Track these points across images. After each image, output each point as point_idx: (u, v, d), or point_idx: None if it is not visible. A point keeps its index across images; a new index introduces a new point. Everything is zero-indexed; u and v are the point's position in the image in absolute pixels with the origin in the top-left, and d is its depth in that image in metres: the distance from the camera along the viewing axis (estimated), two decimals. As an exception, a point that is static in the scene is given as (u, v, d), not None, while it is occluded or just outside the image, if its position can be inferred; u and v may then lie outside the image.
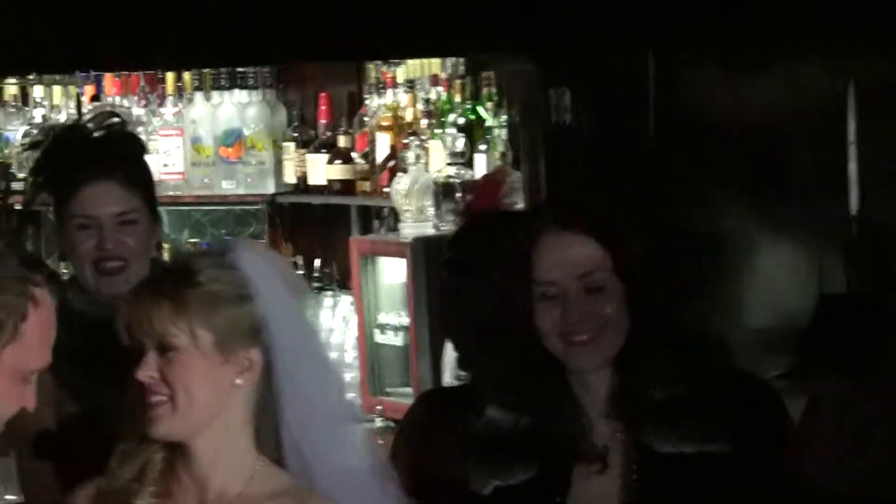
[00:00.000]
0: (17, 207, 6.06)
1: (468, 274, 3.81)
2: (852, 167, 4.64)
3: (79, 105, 5.04)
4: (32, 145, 4.44)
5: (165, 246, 6.06)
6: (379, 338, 6.00)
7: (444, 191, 5.65)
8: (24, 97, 6.62)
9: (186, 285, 2.53)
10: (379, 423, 5.95)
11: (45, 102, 6.57)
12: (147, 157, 4.05)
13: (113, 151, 3.90)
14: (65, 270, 4.04)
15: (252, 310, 2.55)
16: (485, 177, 5.41)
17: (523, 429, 3.31)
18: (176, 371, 2.51)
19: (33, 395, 2.47)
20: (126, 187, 3.75)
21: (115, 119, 3.99)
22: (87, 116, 4.17)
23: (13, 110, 6.58)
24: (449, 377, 5.18)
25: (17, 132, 6.46)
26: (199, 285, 2.54)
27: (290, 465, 2.62)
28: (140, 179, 3.86)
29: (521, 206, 5.10)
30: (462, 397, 3.79)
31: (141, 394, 2.56)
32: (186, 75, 6.37)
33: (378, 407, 5.95)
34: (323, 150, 6.18)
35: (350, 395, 3.84)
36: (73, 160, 3.86)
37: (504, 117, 5.67)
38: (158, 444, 2.61)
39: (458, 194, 5.57)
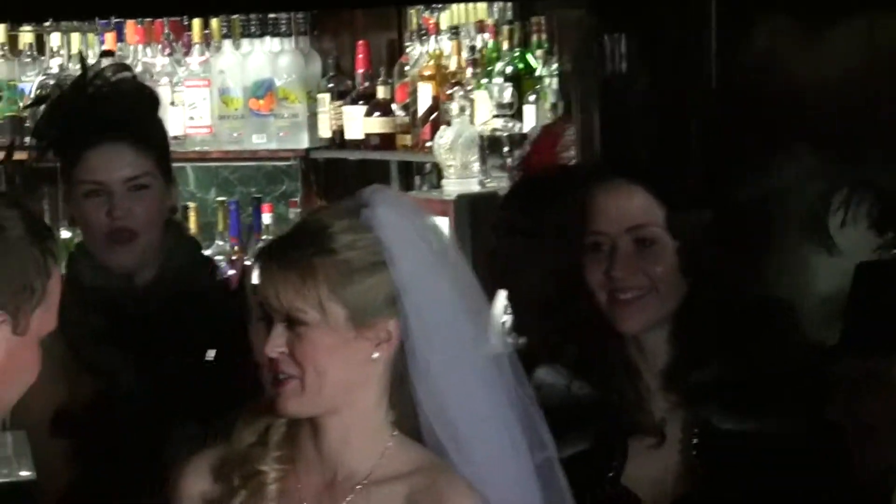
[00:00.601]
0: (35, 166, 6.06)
1: (526, 233, 3.74)
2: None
3: (82, 60, 4.96)
4: (37, 101, 4.50)
5: (191, 205, 6.08)
6: None
7: (490, 145, 5.48)
8: (41, 46, 6.40)
9: (317, 253, 2.41)
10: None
11: (63, 52, 6.32)
12: (162, 112, 3.91)
13: (122, 109, 3.76)
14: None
15: (389, 277, 2.42)
16: (542, 129, 5.37)
17: (576, 396, 3.27)
18: (305, 348, 2.42)
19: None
20: (137, 149, 3.64)
21: (125, 73, 3.85)
22: (94, 71, 3.92)
23: (28, 60, 6.36)
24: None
25: (32, 84, 6.21)
26: (331, 253, 2.42)
27: (426, 438, 2.55)
28: (152, 139, 3.74)
29: (574, 160, 4.98)
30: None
31: (269, 369, 2.50)
32: (214, 22, 6.22)
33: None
34: (360, 102, 6.05)
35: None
36: (78, 120, 3.75)
37: (555, 66, 5.50)
38: None
39: (506, 149, 5.43)
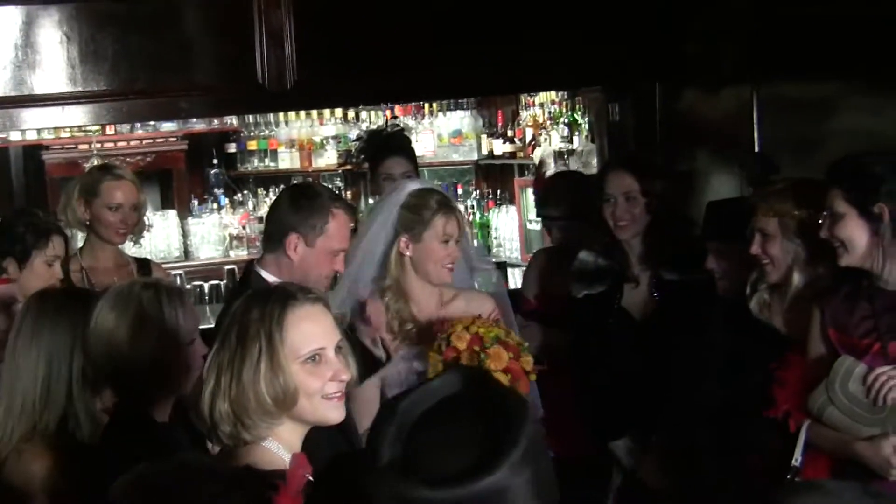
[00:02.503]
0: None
1: (558, 217, 5.39)
2: None
3: (385, 123, 6.82)
4: (357, 139, 6.54)
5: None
6: (528, 226, 8.41)
7: (558, 155, 8.08)
8: (356, 115, 9.43)
9: None
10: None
11: (365, 118, 9.38)
12: (413, 144, 5.77)
13: (398, 141, 5.60)
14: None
15: None
16: (539, 163, 8.01)
17: (599, 264, 4.75)
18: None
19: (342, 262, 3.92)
20: (407, 159, 5.49)
21: (398, 126, 5.98)
22: (385, 125, 6.34)
23: (351, 123, 9.43)
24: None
25: (352, 134, 9.00)
26: None
27: None
28: (412, 155, 5.60)
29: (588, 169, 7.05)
30: (563, 252, 5.26)
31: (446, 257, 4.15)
32: (435, 104, 9.09)
33: (528, 257, 7.03)
34: (499, 137, 8.68)
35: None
36: (378, 146, 5.57)
37: (587, 118, 7.94)
38: (399, 293, 4.27)
39: (565, 156, 7.90)
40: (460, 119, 9.36)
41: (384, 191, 4.91)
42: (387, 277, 4.35)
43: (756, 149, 5.68)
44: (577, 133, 8.11)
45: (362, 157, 5.93)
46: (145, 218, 5.57)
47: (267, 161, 9.53)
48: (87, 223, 5.44)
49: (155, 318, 3.22)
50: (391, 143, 5.68)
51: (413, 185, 4.48)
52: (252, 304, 2.77)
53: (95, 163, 7.56)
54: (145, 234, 5.64)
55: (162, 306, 3.23)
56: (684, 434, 4.47)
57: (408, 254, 4.35)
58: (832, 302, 3.92)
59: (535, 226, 8.15)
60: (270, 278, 4.03)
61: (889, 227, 3.79)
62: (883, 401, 3.78)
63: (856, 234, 3.82)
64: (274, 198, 7.69)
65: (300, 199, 4.15)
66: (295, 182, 8.61)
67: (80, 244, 5.58)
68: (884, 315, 3.82)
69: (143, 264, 5.61)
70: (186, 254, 9.25)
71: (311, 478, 2.43)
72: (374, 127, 8.00)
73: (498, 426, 1.76)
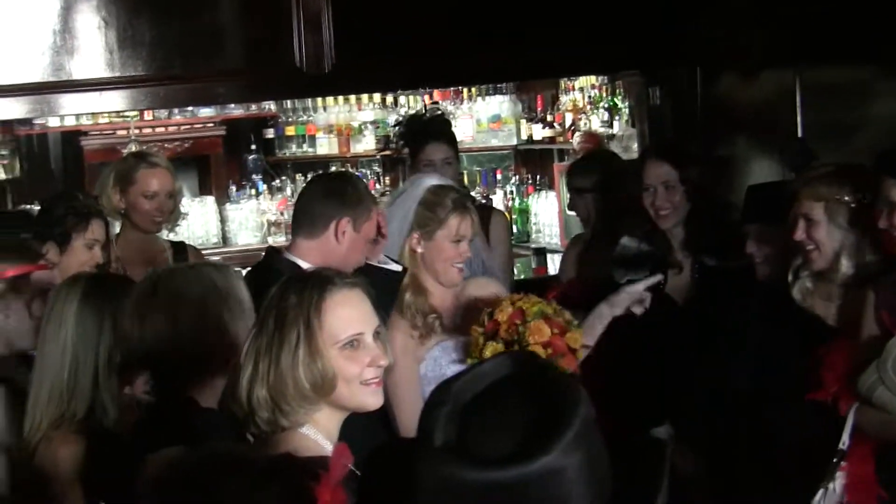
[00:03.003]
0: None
1: (584, 189, 5.51)
2: None
3: (424, 108, 6.93)
4: (397, 124, 5.96)
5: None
6: (568, 212, 7.80)
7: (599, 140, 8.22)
8: (394, 101, 9.49)
9: None
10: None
11: (403, 103, 9.44)
12: (453, 128, 5.76)
13: (439, 125, 5.58)
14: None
15: None
16: (587, 134, 8.30)
17: (643, 249, 4.62)
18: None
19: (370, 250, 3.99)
20: (448, 144, 5.43)
21: (438, 110, 6.07)
22: (425, 109, 6.41)
23: (390, 108, 9.51)
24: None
25: (390, 118, 8.90)
26: None
27: None
28: (452, 140, 5.56)
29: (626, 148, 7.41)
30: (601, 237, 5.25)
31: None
32: (474, 89, 9.12)
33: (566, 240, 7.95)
34: (538, 122, 8.89)
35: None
36: (419, 130, 5.52)
37: (627, 102, 8.08)
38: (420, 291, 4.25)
39: (606, 140, 8.13)
40: (499, 104, 9.37)
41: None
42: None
43: (799, 134, 5.72)
44: (617, 117, 8.23)
45: (402, 142, 5.74)
46: (181, 206, 5.59)
47: (305, 147, 9.55)
48: (123, 212, 5.44)
49: (198, 299, 3.22)
50: (431, 129, 5.63)
51: (432, 180, 4.50)
52: (289, 289, 2.76)
53: (133, 148, 7.59)
54: (181, 222, 5.65)
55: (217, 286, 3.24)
56: (717, 421, 4.51)
57: (419, 250, 4.39)
58: (887, 285, 3.95)
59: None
60: (304, 265, 4.00)
61: None
62: None
63: None
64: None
65: (345, 186, 4.18)
66: (333, 169, 8.77)
67: (116, 231, 5.58)
68: None
69: (180, 248, 5.60)
70: (224, 240, 9.33)
71: (352, 467, 2.40)
72: (413, 112, 7.70)
73: (551, 408, 1.78)
